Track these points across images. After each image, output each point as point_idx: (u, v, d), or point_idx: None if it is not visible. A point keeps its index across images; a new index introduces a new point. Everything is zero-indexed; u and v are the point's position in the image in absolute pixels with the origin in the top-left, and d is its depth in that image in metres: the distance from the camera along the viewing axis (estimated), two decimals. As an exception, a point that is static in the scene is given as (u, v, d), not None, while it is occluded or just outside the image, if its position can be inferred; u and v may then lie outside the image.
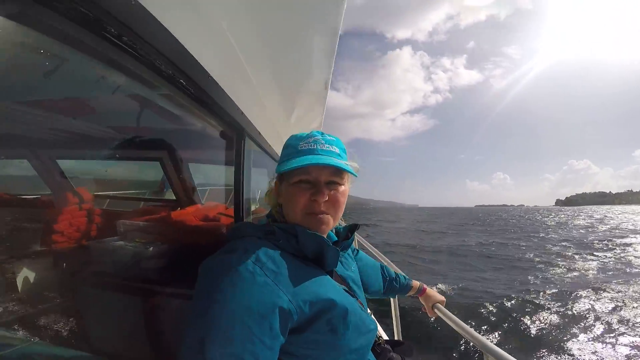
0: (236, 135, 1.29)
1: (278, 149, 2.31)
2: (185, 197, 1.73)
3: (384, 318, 2.78)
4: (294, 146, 0.81)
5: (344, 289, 0.82)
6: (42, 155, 1.21)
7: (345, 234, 0.98)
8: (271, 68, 1.22)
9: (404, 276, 1.45)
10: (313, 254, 0.75)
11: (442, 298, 1.47)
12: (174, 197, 1.74)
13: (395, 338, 2.12)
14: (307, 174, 0.77)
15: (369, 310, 0.99)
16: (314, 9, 0.90)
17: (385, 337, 2.41)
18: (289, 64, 1.20)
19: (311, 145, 0.79)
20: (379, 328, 2.63)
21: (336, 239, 0.98)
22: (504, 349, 1.08)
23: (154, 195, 1.90)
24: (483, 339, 1.16)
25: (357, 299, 0.87)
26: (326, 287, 0.71)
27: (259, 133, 1.61)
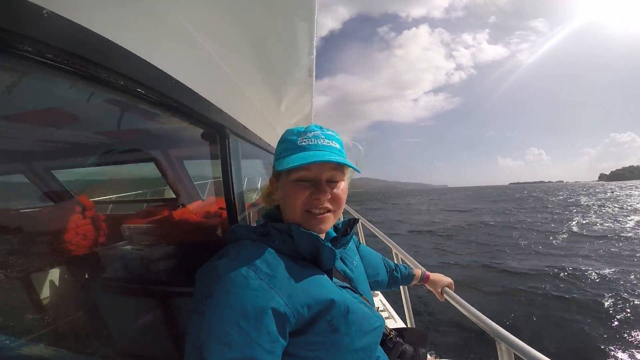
0: (218, 133, 1.27)
1: (271, 140, 2.29)
2: (186, 195, 1.76)
3: (396, 306, 2.79)
4: (293, 141, 0.78)
5: (347, 287, 0.81)
6: (37, 167, 1.23)
7: (344, 229, 0.95)
8: (249, 60, 1.18)
9: (404, 266, 1.44)
10: (309, 254, 0.74)
11: (449, 280, 1.45)
12: (174, 196, 1.79)
13: (408, 325, 2.16)
14: (307, 171, 0.75)
15: (377, 305, 0.98)
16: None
17: (399, 323, 2.45)
18: (268, 54, 1.14)
19: (311, 141, 0.77)
20: (394, 315, 2.67)
21: (335, 234, 0.96)
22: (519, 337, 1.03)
23: (154, 196, 1.95)
24: (495, 325, 1.11)
25: (362, 295, 0.85)
26: (324, 287, 0.70)
27: (245, 127, 1.58)
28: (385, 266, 1.33)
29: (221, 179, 1.36)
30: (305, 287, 0.66)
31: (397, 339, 1.02)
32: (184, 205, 1.64)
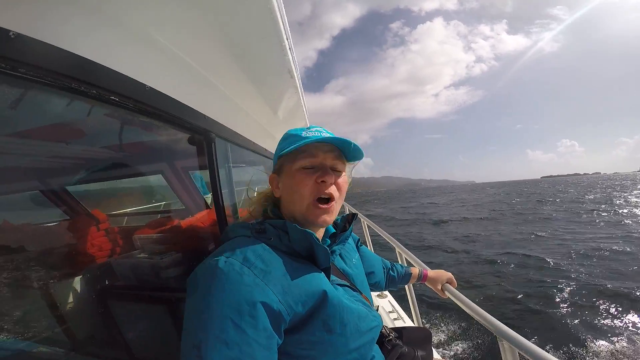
0: (204, 138, 1.32)
1: (268, 146, 2.35)
2: (192, 204, 1.83)
3: (402, 303, 2.74)
4: (297, 135, 0.82)
5: (345, 284, 0.80)
6: (52, 184, 1.34)
7: (343, 225, 0.95)
8: (229, 66, 1.22)
9: (400, 265, 1.42)
10: (305, 252, 0.74)
11: (449, 275, 1.43)
12: (182, 207, 1.87)
13: (415, 324, 2.12)
14: (312, 157, 0.77)
15: (382, 302, 0.97)
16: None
17: (407, 322, 2.40)
18: (246, 60, 1.20)
19: (315, 133, 0.80)
20: (403, 315, 2.61)
21: (334, 230, 0.95)
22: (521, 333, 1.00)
23: (165, 207, 2.04)
24: (497, 322, 1.09)
25: (361, 293, 0.85)
26: (319, 285, 0.69)
27: (235, 132, 1.64)
28: (382, 267, 1.32)
29: (210, 185, 1.41)
30: (299, 285, 0.66)
31: (397, 340, 1.01)
32: (192, 215, 1.71)
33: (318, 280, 0.70)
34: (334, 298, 0.68)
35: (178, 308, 1.34)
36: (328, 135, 0.81)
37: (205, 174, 1.36)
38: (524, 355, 0.94)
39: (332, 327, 0.66)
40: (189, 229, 1.59)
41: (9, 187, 1.07)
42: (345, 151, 0.82)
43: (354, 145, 0.78)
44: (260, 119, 1.93)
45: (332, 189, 0.78)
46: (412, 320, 2.17)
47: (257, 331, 0.56)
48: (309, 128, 0.83)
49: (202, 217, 1.66)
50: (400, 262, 2.22)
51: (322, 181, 0.76)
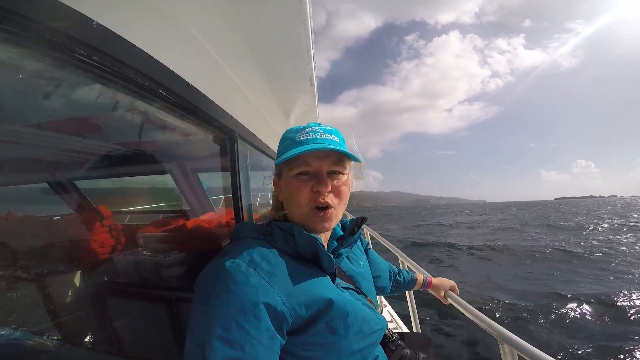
0: (228, 139, 1.33)
1: (276, 146, 2.35)
2: (199, 206, 1.82)
3: (401, 309, 2.78)
4: (292, 138, 0.79)
5: (350, 288, 0.81)
6: (61, 177, 1.31)
7: (352, 228, 0.95)
8: (254, 70, 1.25)
9: (406, 271, 1.45)
10: (311, 255, 0.74)
11: (452, 283, 1.47)
12: (188, 208, 1.86)
13: (414, 330, 2.15)
14: (306, 165, 0.75)
15: (382, 306, 0.99)
16: (280, 6, 0.90)
17: (403, 328, 2.40)
18: (271, 66, 1.23)
19: (309, 135, 0.76)
20: (399, 322, 2.64)
21: (342, 233, 0.94)
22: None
23: (170, 207, 2.02)
24: (498, 326, 1.11)
25: (366, 297, 0.85)
26: (324, 288, 0.70)
27: (254, 135, 1.66)
28: (389, 272, 1.34)
29: (230, 185, 1.41)
30: (304, 287, 0.66)
31: (399, 342, 1.01)
32: (197, 216, 1.70)
33: (323, 285, 0.70)
34: (339, 302, 0.69)
35: (178, 307, 1.32)
36: (327, 137, 0.77)
37: (225, 177, 1.37)
38: (525, 357, 0.95)
39: (335, 329, 0.67)
40: (194, 230, 1.58)
41: (16, 178, 1.05)
42: (347, 153, 0.78)
43: (345, 152, 0.75)
44: (273, 122, 1.94)
45: (330, 197, 0.76)
46: (412, 327, 2.21)
47: (260, 332, 0.56)
48: (304, 128, 0.79)
49: (208, 219, 1.65)
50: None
51: (317, 191, 0.74)
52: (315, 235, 0.72)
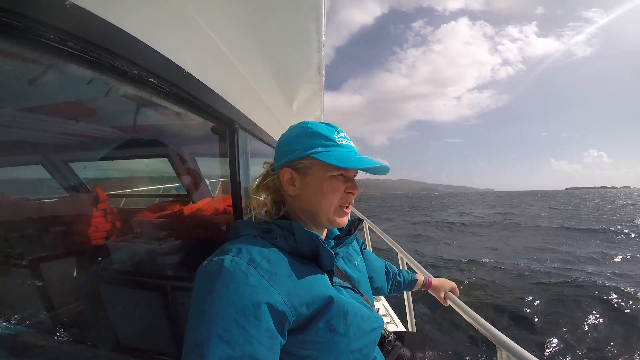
0: (228, 128, 1.29)
1: (276, 134, 2.30)
2: (196, 192, 1.79)
3: (398, 309, 2.76)
4: (330, 138, 0.79)
5: (347, 287, 0.81)
6: (55, 159, 1.28)
7: (349, 229, 0.97)
8: (260, 58, 1.20)
9: (406, 271, 1.44)
10: (310, 253, 0.74)
11: (452, 285, 1.46)
12: (185, 192, 1.83)
13: (409, 329, 2.15)
14: (346, 170, 0.79)
15: (376, 305, 0.99)
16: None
17: (400, 327, 2.44)
18: (277, 51, 1.16)
19: (344, 141, 0.81)
20: (396, 319, 2.67)
21: (338, 233, 0.98)
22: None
23: (166, 191, 1.99)
24: (497, 331, 1.11)
25: (362, 296, 0.86)
26: (324, 286, 0.70)
27: (255, 124, 1.61)
28: (387, 271, 1.33)
29: (229, 175, 1.38)
30: (305, 286, 0.66)
31: (396, 342, 1.02)
32: (194, 202, 1.67)
33: (323, 283, 0.71)
34: (338, 300, 0.69)
35: (173, 295, 1.32)
36: (352, 145, 0.83)
37: (223, 164, 1.34)
38: None
39: (335, 328, 0.67)
40: (191, 217, 1.56)
41: (11, 160, 1.02)
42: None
43: (383, 168, 0.81)
44: (275, 110, 1.89)
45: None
46: (407, 326, 2.20)
47: (260, 331, 0.56)
48: (337, 131, 0.82)
49: (205, 205, 1.62)
50: (401, 267, 2.19)
51: (350, 193, 0.81)
52: (315, 233, 0.73)
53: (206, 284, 0.60)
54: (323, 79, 1.48)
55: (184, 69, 0.89)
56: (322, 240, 0.73)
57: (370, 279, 1.14)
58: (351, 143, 0.83)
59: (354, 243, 1.05)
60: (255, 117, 1.56)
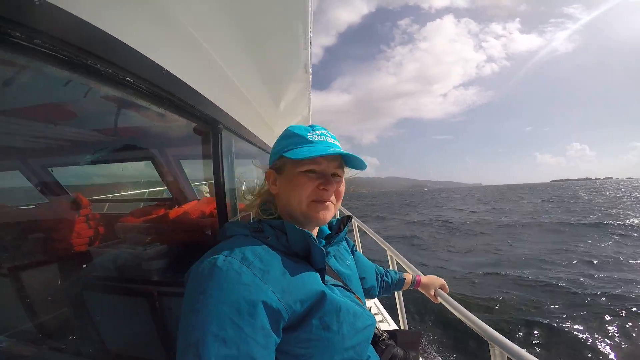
0: (211, 129, 1.26)
1: (268, 140, 2.28)
2: (181, 195, 1.76)
3: (389, 308, 2.75)
4: (302, 136, 0.82)
5: (339, 285, 0.82)
6: (34, 164, 1.24)
7: (338, 227, 0.98)
8: (244, 56, 1.18)
9: (394, 271, 1.44)
10: (302, 251, 0.75)
11: (442, 282, 1.47)
12: (170, 196, 1.79)
13: (401, 327, 2.16)
14: (317, 164, 0.79)
15: (368, 304, 0.98)
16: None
17: (392, 326, 2.43)
18: (262, 49, 1.14)
19: (320, 137, 0.82)
20: (387, 318, 2.66)
21: (329, 232, 0.98)
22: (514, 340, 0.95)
23: (151, 195, 1.95)
24: (488, 328, 1.11)
25: (354, 294, 0.86)
26: (317, 285, 0.71)
27: (241, 125, 1.58)
28: (376, 273, 1.33)
29: (213, 177, 1.36)
30: (298, 283, 0.66)
31: (389, 341, 1.02)
32: (179, 205, 1.65)
33: (315, 280, 0.71)
34: (332, 297, 0.70)
35: (161, 301, 1.30)
36: (334, 142, 0.83)
37: (206, 166, 1.32)
38: None
39: (329, 325, 0.67)
40: (177, 220, 1.53)
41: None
42: (347, 159, 0.84)
43: (360, 160, 0.81)
44: (261, 109, 1.87)
45: (331, 196, 0.81)
46: (400, 324, 2.20)
47: (255, 330, 0.56)
48: (313, 129, 0.84)
49: (191, 209, 1.60)
50: (392, 266, 2.21)
51: (324, 189, 0.79)
52: (307, 230, 0.74)
53: (199, 283, 0.60)
54: (310, 77, 1.48)
55: (163, 67, 0.87)
56: (313, 237, 0.74)
57: (362, 279, 1.14)
58: (328, 139, 0.83)
59: (345, 244, 1.05)
60: (240, 117, 1.53)
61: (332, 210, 0.82)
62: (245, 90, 1.48)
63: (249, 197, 0.92)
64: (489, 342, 1.08)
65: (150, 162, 1.53)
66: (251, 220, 0.84)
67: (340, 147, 0.84)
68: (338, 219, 1.01)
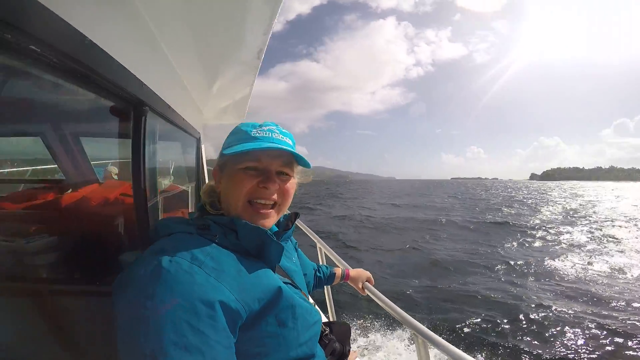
0: (134, 109, 1.10)
1: (193, 121, 2.09)
2: (78, 177, 1.47)
3: (317, 301, 2.76)
4: (247, 132, 0.77)
5: (288, 282, 0.80)
6: None
7: (286, 224, 0.95)
8: (191, 32, 1.06)
9: (325, 266, 1.49)
10: (254, 249, 0.72)
11: (368, 274, 1.55)
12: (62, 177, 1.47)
13: (331, 319, 2.21)
14: (256, 161, 0.74)
15: (311, 301, 1.02)
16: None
17: (324, 319, 2.54)
18: (214, 28, 1.03)
19: (265, 134, 0.76)
20: (318, 310, 2.72)
21: (276, 229, 0.94)
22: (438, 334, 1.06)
23: (37, 176, 1.56)
24: (412, 319, 1.17)
25: (301, 291, 0.86)
26: (273, 281, 0.69)
27: (169, 106, 1.40)
28: (312, 269, 1.37)
29: (130, 161, 1.19)
30: (255, 281, 0.64)
31: (331, 335, 1.06)
32: (75, 189, 1.38)
33: (270, 276, 0.70)
34: (287, 293, 0.69)
35: (53, 302, 1.11)
36: (282, 139, 0.78)
37: (123, 148, 1.13)
38: (436, 349, 1.04)
39: (284, 321, 0.67)
40: (71, 207, 1.29)
41: None
42: (298, 157, 0.80)
43: (299, 157, 0.79)
44: (192, 90, 1.67)
45: (275, 196, 0.77)
46: (329, 317, 2.22)
47: (218, 332, 0.53)
48: (261, 126, 0.79)
49: (90, 194, 1.36)
50: (321, 260, 2.26)
51: (264, 187, 0.74)
52: (262, 227, 0.72)
53: (142, 288, 0.53)
54: (260, 63, 1.40)
55: (86, 36, 0.72)
56: (270, 233, 0.72)
57: (304, 275, 1.14)
58: (275, 135, 0.78)
59: (290, 241, 1.05)
60: (169, 97, 1.36)
61: (273, 218, 0.78)
62: (179, 69, 1.31)
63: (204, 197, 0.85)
64: (413, 332, 1.14)
65: (39, 138, 1.22)
66: (193, 217, 0.78)
67: (291, 143, 0.80)
68: (286, 215, 0.98)
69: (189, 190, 2.49)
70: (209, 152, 3.12)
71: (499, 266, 9.72)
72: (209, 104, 2.05)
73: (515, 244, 13.16)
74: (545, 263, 10.09)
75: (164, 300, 0.51)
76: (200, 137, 2.33)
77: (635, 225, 18.80)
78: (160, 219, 1.38)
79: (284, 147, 0.75)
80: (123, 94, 0.99)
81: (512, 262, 10.02)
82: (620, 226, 18.24)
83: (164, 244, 0.62)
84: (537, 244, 13.35)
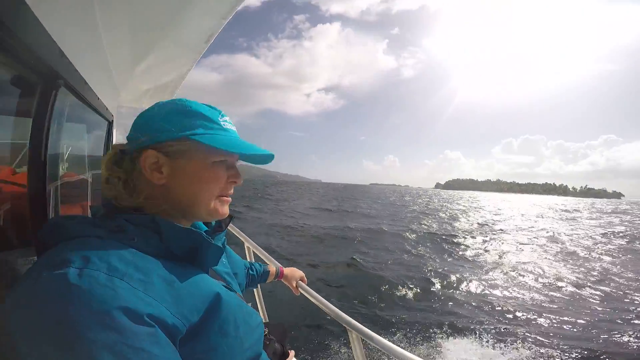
0: (44, 82, 0.91)
1: (109, 104, 1.80)
2: None
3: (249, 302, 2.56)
4: (213, 120, 0.67)
5: (222, 285, 0.71)
6: None
7: (219, 224, 0.85)
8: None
9: (258, 264, 1.45)
10: (185, 253, 0.62)
11: (301, 273, 1.55)
12: None
13: (264, 320, 2.09)
14: (229, 155, 0.69)
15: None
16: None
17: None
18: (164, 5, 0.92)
19: (229, 126, 0.71)
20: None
21: (206, 228, 0.85)
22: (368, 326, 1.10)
23: None
24: (345, 315, 1.22)
25: (236, 292, 0.81)
26: (210, 287, 0.60)
27: (85, 82, 1.17)
28: (243, 267, 1.30)
29: (27, 143, 0.94)
30: (190, 291, 0.55)
31: (271, 336, 1.02)
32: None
33: (206, 281, 0.62)
34: (226, 298, 0.61)
35: None
36: (235, 129, 0.74)
37: (18, 126, 0.89)
38: (369, 342, 1.09)
39: (227, 331, 0.59)
40: None
41: None
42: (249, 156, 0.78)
43: (272, 157, 0.78)
44: (114, 67, 1.40)
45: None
46: (261, 317, 2.09)
47: (163, 347, 0.45)
48: (222, 115, 0.72)
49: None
50: (249, 259, 2.11)
51: (233, 182, 0.72)
52: (197, 229, 0.63)
53: (50, 312, 0.41)
54: (207, 47, 1.27)
55: None
56: (206, 236, 0.63)
57: (235, 274, 1.07)
58: (235, 129, 0.74)
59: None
60: (87, 72, 1.12)
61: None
62: (107, 40, 1.09)
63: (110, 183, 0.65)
64: (346, 328, 1.18)
65: None
66: (99, 215, 0.63)
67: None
68: None
69: (89, 180, 2.10)
70: (118, 138, 2.74)
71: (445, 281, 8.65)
72: (129, 85, 1.76)
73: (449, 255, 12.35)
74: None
75: (85, 324, 0.40)
76: (112, 121, 2.01)
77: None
78: (50, 217, 1.09)
79: (264, 154, 0.73)
80: (35, 63, 0.78)
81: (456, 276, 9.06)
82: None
83: (65, 254, 0.48)
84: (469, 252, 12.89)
